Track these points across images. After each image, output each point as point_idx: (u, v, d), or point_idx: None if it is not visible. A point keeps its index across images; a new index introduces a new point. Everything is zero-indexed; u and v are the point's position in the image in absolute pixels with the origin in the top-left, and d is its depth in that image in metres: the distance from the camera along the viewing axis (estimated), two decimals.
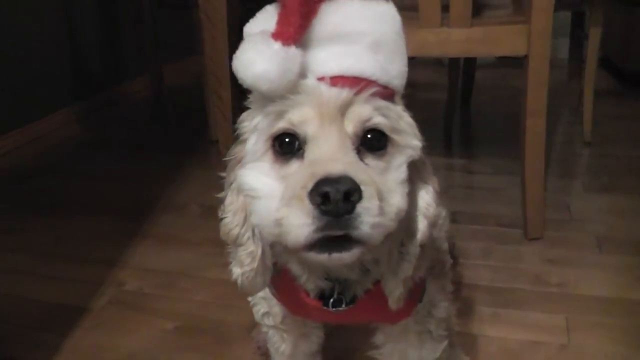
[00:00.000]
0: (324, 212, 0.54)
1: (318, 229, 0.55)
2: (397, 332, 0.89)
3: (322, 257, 0.57)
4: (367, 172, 0.59)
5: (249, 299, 0.94)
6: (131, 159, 2.58)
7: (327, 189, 0.54)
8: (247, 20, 0.66)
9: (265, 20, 0.62)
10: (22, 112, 2.77)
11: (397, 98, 0.67)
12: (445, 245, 1.20)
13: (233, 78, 0.62)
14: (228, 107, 2.09)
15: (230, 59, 0.61)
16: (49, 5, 2.90)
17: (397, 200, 0.61)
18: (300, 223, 0.55)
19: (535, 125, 1.63)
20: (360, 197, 0.55)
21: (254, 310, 0.92)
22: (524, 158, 1.67)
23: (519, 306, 1.45)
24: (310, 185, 0.55)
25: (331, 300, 0.76)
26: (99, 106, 3.25)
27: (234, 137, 0.68)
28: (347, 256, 0.57)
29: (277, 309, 0.89)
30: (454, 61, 2.60)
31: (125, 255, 1.76)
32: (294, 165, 0.61)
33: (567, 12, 2.87)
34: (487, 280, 1.57)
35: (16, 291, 1.61)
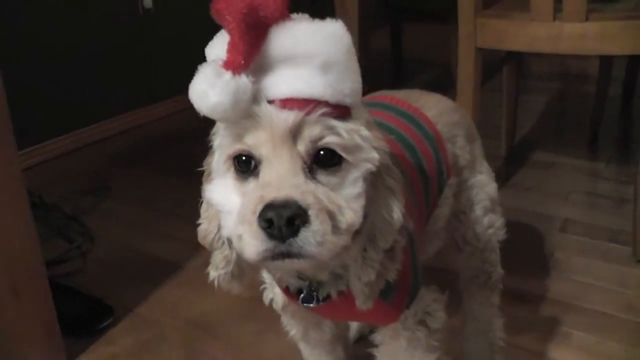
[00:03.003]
0: (270, 236, 0.59)
1: (267, 250, 0.60)
2: (388, 334, 0.88)
3: (277, 264, 0.62)
4: (315, 194, 0.61)
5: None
6: None
7: (270, 215, 0.58)
8: None
9: (222, 44, 0.63)
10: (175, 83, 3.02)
11: (355, 111, 0.67)
12: (494, 256, 1.15)
13: None
14: None
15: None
16: None
17: (349, 216, 0.63)
18: (252, 243, 0.60)
19: None
20: (304, 221, 0.59)
21: (264, 295, 0.97)
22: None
23: (598, 332, 1.33)
24: (258, 210, 0.59)
25: (301, 295, 0.79)
26: None
27: (208, 148, 0.72)
28: (298, 263, 0.62)
29: (279, 296, 0.93)
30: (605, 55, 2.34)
31: None
32: (252, 184, 0.64)
33: None
34: (574, 298, 1.45)
35: (130, 243, 1.84)
